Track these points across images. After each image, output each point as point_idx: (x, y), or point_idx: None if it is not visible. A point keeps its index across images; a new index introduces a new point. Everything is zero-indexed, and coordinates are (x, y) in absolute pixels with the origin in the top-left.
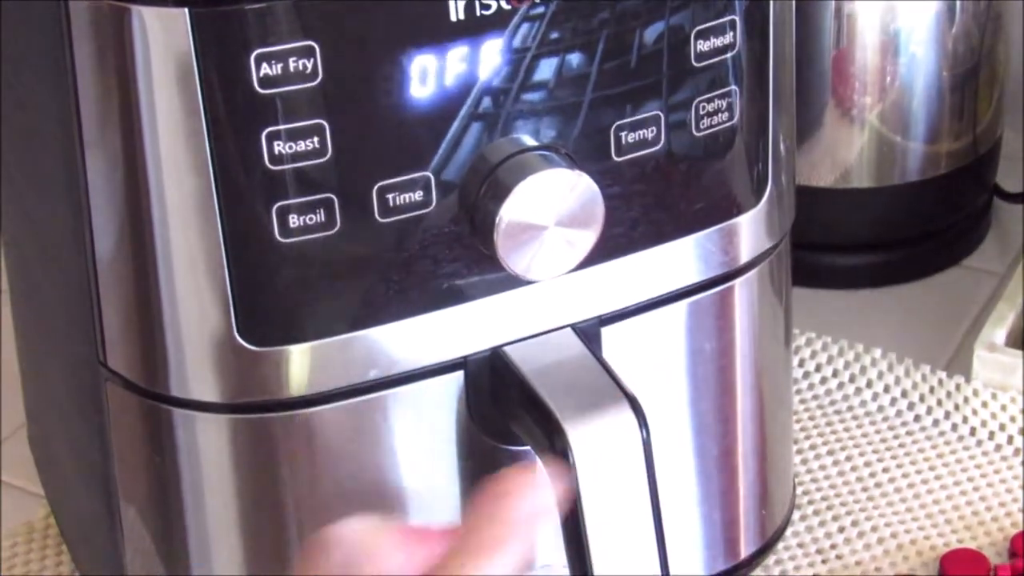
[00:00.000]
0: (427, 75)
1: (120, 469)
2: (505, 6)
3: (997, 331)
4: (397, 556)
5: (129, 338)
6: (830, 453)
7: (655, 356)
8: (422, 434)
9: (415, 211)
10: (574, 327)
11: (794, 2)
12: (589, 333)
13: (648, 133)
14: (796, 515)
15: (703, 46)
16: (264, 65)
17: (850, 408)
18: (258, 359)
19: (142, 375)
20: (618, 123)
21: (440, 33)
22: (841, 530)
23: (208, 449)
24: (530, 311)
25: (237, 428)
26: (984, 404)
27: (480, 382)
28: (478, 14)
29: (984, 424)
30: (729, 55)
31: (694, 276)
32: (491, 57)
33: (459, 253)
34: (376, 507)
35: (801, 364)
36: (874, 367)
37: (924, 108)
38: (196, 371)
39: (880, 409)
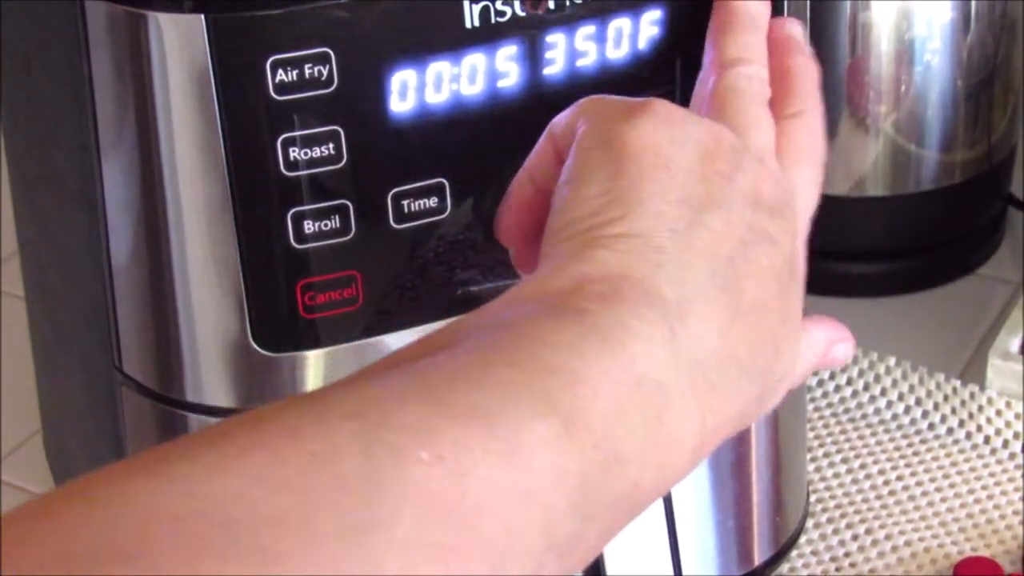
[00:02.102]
0: (442, 82)
1: None
2: (520, 13)
3: (1011, 339)
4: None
5: (144, 343)
6: (844, 461)
7: None
8: None
9: (430, 218)
10: None
11: (808, 11)
12: None
13: None
14: (810, 523)
15: None
16: (280, 71)
17: (864, 416)
18: (272, 365)
19: (157, 380)
20: None
21: (455, 40)
22: (855, 538)
23: None
24: None
25: None
26: (998, 412)
27: None
28: (493, 21)
29: (998, 432)
30: None
31: None
32: (506, 64)
33: (473, 260)
34: None
35: (815, 372)
36: (888, 375)
37: (939, 117)
38: (211, 376)
39: (894, 417)
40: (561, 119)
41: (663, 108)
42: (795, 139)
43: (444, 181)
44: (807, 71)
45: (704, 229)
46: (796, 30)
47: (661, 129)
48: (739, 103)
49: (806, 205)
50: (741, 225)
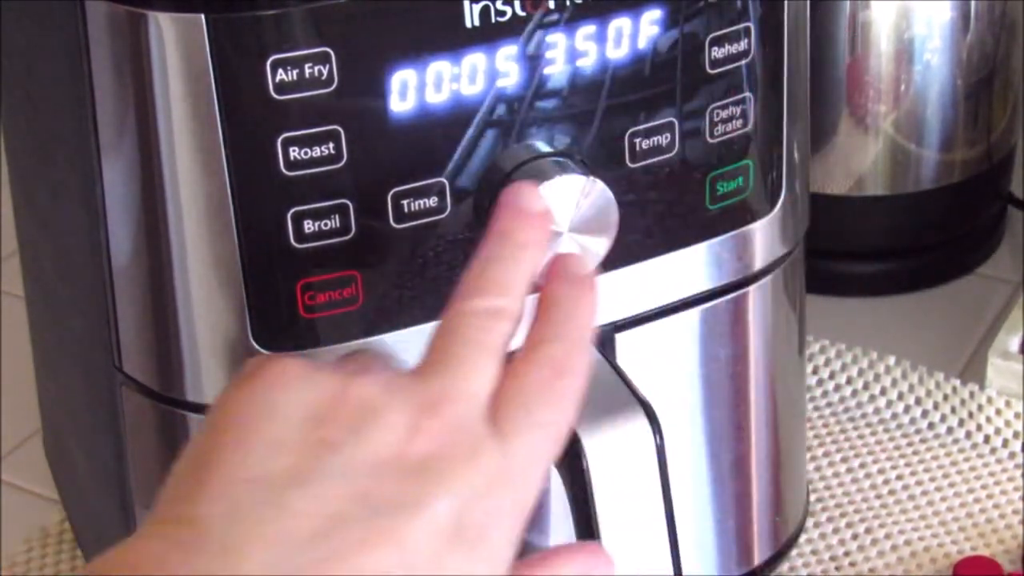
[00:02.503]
0: (442, 81)
1: (135, 474)
2: (520, 13)
3: (1011, 339)
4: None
5: (145, 343)
6: (844, 460)
7: (669, 363)
8: None
9: (430, 217)
10: None
11: (808, 10)
12: (603, 339)
13: (662, 140)
14: (810, 522)
15: (717, 53)
16: (280, 71)
17: (864, 415)
18: None
19: (157, 380)
20: (632, 130)
21: (455, 40)
22: (855, 537)
23: None
24: None
25: None
26: (998, 412)
27: None
28: (493, 21)
29: (998, 432)
30: (743, 62)
31: (708, 283)
32: (506, 64)
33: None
34: None
35: (815, 371)
36: (888, 375)
37: (938, 116)
38: (211, 376)
39: (894, 416)
40: None
41: (270, 372)
42: (526, 373)
43: (444, 181)
44: (569, 300)
45: (278, 510)
46: (580, 265)
47: (252, 399)
48: (449, 339)
49: (528, 451)
50: (341, 499)
